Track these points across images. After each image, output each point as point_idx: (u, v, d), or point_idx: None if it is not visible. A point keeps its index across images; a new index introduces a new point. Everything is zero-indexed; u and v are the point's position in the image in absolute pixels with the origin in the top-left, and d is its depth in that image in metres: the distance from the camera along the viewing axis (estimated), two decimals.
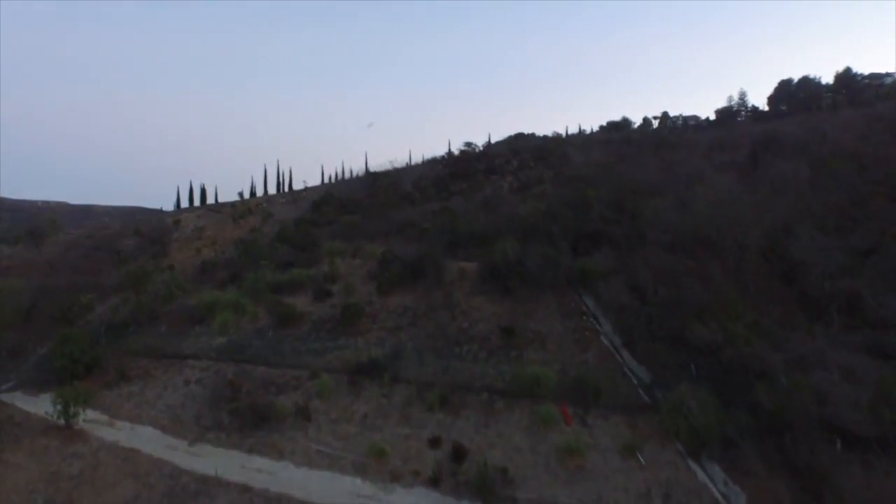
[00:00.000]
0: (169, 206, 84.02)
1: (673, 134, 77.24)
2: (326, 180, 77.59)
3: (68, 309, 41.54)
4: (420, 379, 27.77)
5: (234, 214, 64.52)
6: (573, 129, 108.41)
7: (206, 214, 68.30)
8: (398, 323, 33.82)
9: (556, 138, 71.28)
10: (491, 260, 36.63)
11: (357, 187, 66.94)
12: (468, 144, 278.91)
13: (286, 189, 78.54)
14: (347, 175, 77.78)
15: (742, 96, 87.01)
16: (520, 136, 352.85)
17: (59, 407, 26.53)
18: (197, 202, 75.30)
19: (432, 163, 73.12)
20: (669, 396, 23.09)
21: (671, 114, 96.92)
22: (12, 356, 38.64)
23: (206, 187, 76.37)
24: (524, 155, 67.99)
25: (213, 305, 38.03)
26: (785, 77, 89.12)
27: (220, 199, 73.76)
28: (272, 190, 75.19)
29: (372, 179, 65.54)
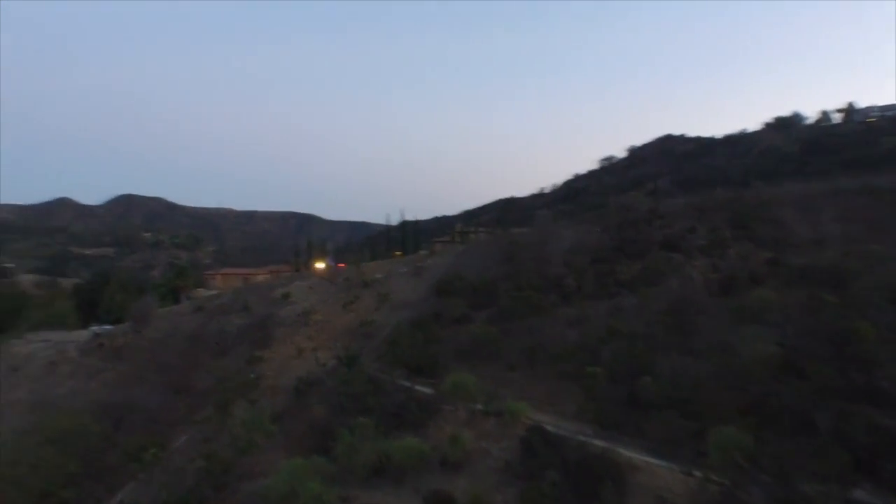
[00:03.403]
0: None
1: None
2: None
3: (137, 456, 33.65)
4: None
5: (345, 292, 54.87)
6: (730, 129, 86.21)
7: (318, 285, 59.57)
8: None
9: (757, 198, 51.45)
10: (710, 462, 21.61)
11: (492, 255, 53.96)
12: (607, 159, 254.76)
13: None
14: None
15: None
16: (669, 139, 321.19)
17: None
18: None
19: (589, 225, 57.56)
20: None
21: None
22: None
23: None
24: (712, 215, 50.25)
25: (289, 497, 27.62)
26: None
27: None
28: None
29: (509, 249, 51.98)
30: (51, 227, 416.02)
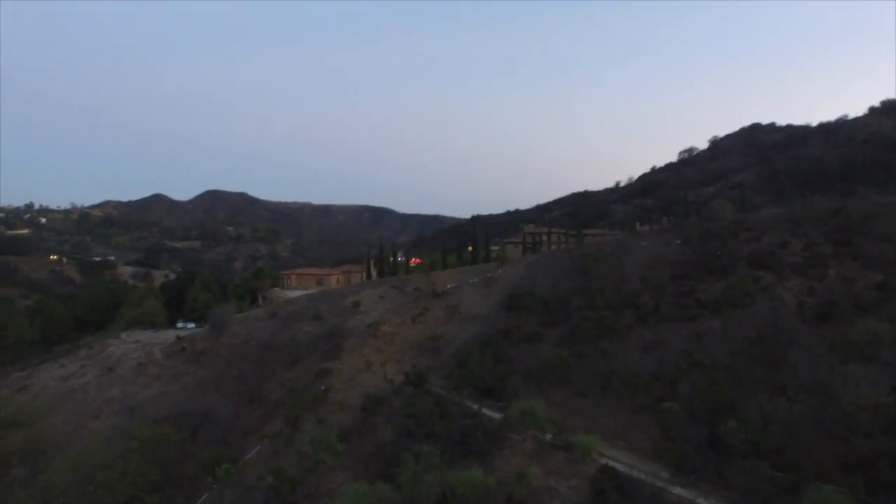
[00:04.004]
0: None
1: None
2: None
3: (212, 468, 34.87)
4: None
5: (415, 302, 54.74)
6: (827, 115, 79.07)
7: (388, 293, 59.83)
8: None
9: (864, 208, 46.39)
10: None
11: (565, 268, 52.11)
12: (687, 151, 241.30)
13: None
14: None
15: None
16: (756, 129, 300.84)
17: None
18: None
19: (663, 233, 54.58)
20: None
21: None
22: None
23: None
24: (809, 228, 45.80)
25: None
26: None
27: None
28: None
29: (583, 262, 49.95)
30: (147, 221, 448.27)
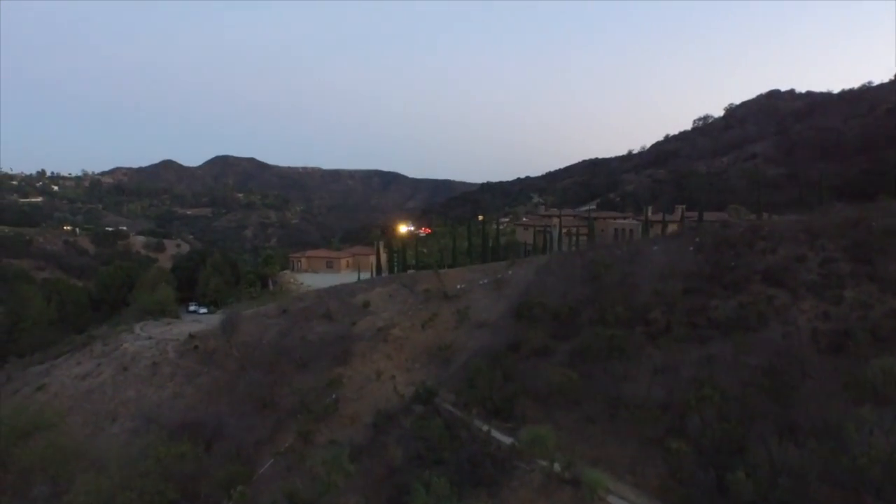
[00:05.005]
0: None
1: None
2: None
3: (227, 488, 35.68)
4: None
5: (424, 304, 54.80)
6: (851, 82, 76.30)
7: (398, 292, 59.90)
8: None
9: (886, 220, 45.27)
10: None
11: (575, 274, 51.80)
12: (702, 119, 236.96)
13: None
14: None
15: None
16: (773, 96, 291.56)
17: None
18: None
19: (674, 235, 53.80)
20: None
21: None
22: None
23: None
24: (827, 240, 44.76)
25: None
26: None
27: None
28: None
29: (593, 268, 49.56)
30: (157, 188, 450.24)
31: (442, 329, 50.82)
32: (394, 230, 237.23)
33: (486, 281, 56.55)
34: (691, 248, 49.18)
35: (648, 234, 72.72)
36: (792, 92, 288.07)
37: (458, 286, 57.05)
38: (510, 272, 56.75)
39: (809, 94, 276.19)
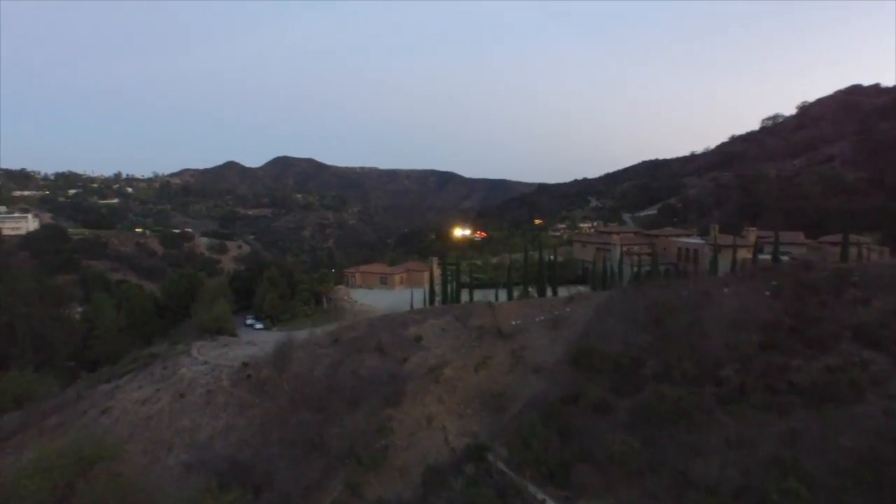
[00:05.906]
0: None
1: None
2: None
3: None
4: None
5: (478, 341, 52.99)
6: None
7: (451, 326, 58.33)
8: None
9: None
10: None
11: (637, 317, 48.75)
12: (771, 118, 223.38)
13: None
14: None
15: None
16: (855, 91, 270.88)
17: None
18: None
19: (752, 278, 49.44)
20: None
21: None
22: None
23: None
24: None
25: None
26: None
27: None
28: None
29: (656, 312, 46.39)
30: (220, 188, 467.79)
31: (496, 371, 48.88)
32: (448, 235, 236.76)
33: (542, 318, 54.13)
34: (767, 294, 45.11)
35: (717, 262, 67.95)
36: (876, 87, 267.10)
37: (513, 322, 54.89)
38: (568, 309, 54.09)
39: None
